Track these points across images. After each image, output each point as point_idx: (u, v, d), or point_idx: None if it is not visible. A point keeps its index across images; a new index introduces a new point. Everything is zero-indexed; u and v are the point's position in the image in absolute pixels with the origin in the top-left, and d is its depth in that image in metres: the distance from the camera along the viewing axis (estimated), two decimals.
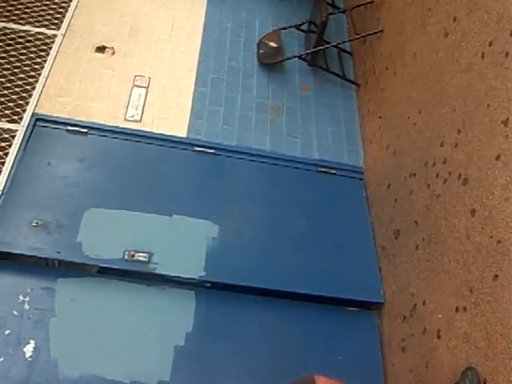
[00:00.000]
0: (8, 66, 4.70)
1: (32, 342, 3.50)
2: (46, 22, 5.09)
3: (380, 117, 4.60)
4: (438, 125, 3.57)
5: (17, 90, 4.57)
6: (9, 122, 4.36)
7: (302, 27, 5.40)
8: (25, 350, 3.46)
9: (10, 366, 3.39)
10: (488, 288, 2.79)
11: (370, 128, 4.81)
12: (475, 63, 3.22)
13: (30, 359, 3.43)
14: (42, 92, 4.58)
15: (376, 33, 4.92)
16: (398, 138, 4.17)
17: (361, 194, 4.58)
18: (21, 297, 3.62)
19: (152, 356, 3.59)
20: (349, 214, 4.42)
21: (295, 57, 5.20)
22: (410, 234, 3.74)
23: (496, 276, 2.75)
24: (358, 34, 5.19)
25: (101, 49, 5.00)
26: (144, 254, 3.83)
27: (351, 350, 3.82)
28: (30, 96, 4.53)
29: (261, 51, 5.24)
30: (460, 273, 3.05)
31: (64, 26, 5.09)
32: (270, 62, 5.21)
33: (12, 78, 4.63)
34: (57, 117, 4.46)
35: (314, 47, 5.05)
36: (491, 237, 2.82)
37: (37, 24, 5.06)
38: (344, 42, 5.41)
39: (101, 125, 4.49)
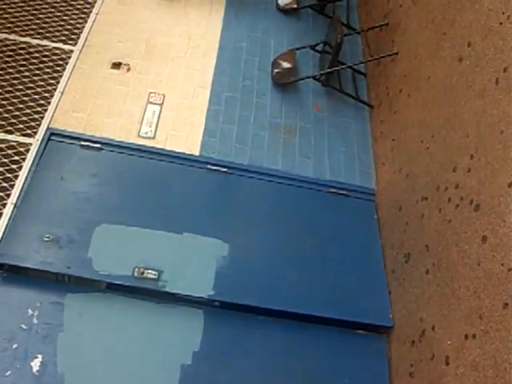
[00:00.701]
0: (25, 80, 4.74)
1: (39, 356, 3.50)
2: (64, 38, 5.14)
3: (393, 139, 4.60)
4: (450, 149, 3.57)
5: (32, 104, 4.61)
6: (23, 135, 4.39)
7: (317, 48, 5.42)
8: (32, 364, 3.46)
9: (17, 380, 3.39)
10: (498, 316, 2.77)
11: (382, 150, 4.80)
12: (489, 89, 3.22)
13: (36, 374, 3.43)
14: (57, 107, 4.62)
15: (390, 55, 4.93)
16: (411, 161, 4.17)
17: (372, 216, 4.56)
18: (30, 311, 3.63)
19: (159, 374, 3.58)
20: (360, 236, 4.40)
21: (309, 77, 5.21)
22: (420, 258, 3.72)
23: (506, 304, 2.73)
24: (372, 56, 5.21)
25: (117, 65, 5.04)
26: (154, 272, 3.83)
27: (359, 374, 3.80)
28: (45, 110, 4.57)
29: (275, 71, 5.26)
30: (470, 299, 3.03)
31: (81, 41, 5.13)
32: (284, 81, 5.23)
33: (28, 91, 4.67)
34: (71, 132, 4.49)
35: (329, 68, 5.06)
36: (502, 264, 2.80)
37: (54, 39, 5.11)
38: (358, 64, 5.43)
39: (114, 141, 4.51)
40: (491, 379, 2.73)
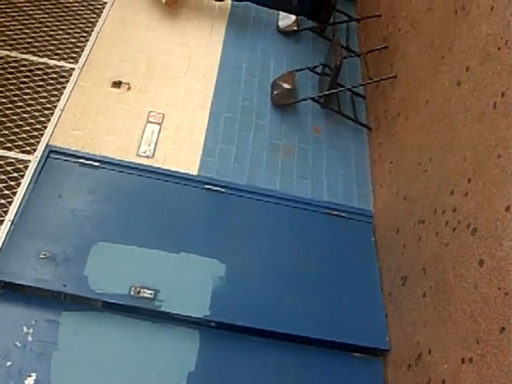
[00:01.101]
0: (25, 97, 4.76)
1: (33, 374, 3.47)
2: (65, 56, 5.17)
3: (391, 162, 4.61)
4: (448, 173, 3.58)
5: (32, 121, 4.62)
6: (22, 152, 4.39)
7: (316, 69, 5.45)
8: (26, 382, 3.44)
9: None
10: (494, 340, 2.76)
11: (380, 172, 4.82)
12: (487, 113, 3.23)
13: None
14: (56, 124, 4.63)
15: (389, 78, 4.96)
16: (408, 183, 4.18)
17: (369, 239, 4.56)
18: (25, 328, 3.61)
19: None
20: (357, 258, 4.40)
21: (308, 99, 5.25)
22: (417, 281, 3.71)
23: (503, 328, 2.72)
24: (371, 79, 5.25)
25: (117, 84, 5.06)
26: (150, 291, 3.82)
27: None
28: (45, 128, 4.58)
29: (275, 92, 5.29)
30: (467, 323, 3.03)
31: (82, 59, 5.16)
32: (284, 103, 5.26)
33: (28, 109, 4.69)
34: (70, 149, 4.50)
35: (328, 90, 5.09)
36: (499, 288, 2.80)
37: (55, 57, 5.14)
38: (357, 86, 5.47)
39: (113, 159, 4.52)
40: None
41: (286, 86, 5.27)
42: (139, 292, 3.80)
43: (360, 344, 3.97)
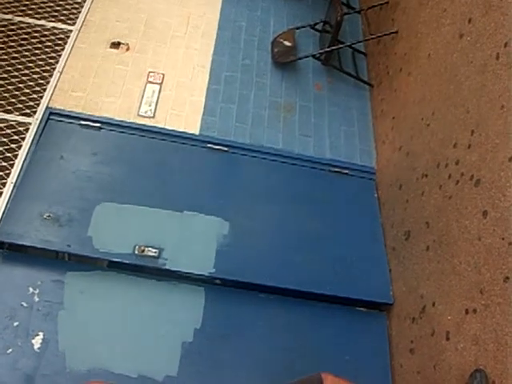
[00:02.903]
0: (23, 60, 4.73)
1: (41, 334, 3.51)
2: (62, 17, 5.12)
3: (393, 117, 4.58)
4: (451, 126, 3.55)
5: (31, 83, 4.59)
6: (23, 115, 4.38)
7: (317, 27, 5.39)
8: (33, 341, 3.47)
9: (19, 358, 3.41)
10: (498, 290, 2.77)
11: (382, 128, 4.79)
12: (490, 64, 3.20)
13: (38, 351, 3.44)
14: (56, 86, 4.61)
15: (391, 33, 4.90)
16: (411, 138, 4.16)
17: (372, 195, 4.56)
18: (30, 289, 3.64)
19: (160, 351, 3.59)
20: (360, 215, 4.41)
21: (309, 56, 5.19)
22: (420, 235, 3.72)
23: (507, 278, 2.73)
24: (372, 35, 5.18)
25: (115, 45, 5.02)
26: (154, 250, 3.84)
27: (359, 350, 3.81)
28: (44, 90, 4.56)
29: (275, 50, 5.23)
30: (470, 274, 3.04)
31: (79, 21, 5.11)
32: (284, 60, 5.21)
33: (27, 71, 4.66)
34: (70, 111, 4.48)
35: (329, 47, 5.04)
36: (503, 238, 2.80)
37: (52, 19, 5.09)
38: (358, 42, 5.41)
39: (114, 120, 4.50)
40: (492, 353, 2.73)
41: (287, 43, 5.22)
42: (143, 251, 3.82)
43: (364, 299, 3.99)
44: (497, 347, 2.70)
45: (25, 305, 3.58)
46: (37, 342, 3.48)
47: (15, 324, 3.51)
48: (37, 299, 3.61)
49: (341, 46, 5.15)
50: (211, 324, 3.72)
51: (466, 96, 3.42)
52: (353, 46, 5.34)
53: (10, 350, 3.42)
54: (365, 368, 3.71)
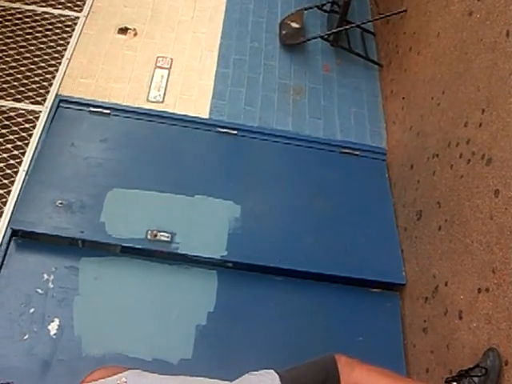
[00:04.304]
0: (31, 48, 4.73)
1: (56, 320, 3.54)
2: (69, 4, 5.11)
3: (403, 97, 4.56)
4: (461, 105, 3.53)
5: (40, 71, 4.60)
6: (32, 103, 4.39)
7: (325, 7, 5.34)
8: (49, 327, 3.51)
9: (35, 344, 3.44)
10: (511, 269, 2.76)
11: (392, 109, 4.77)
12: (500, 42, 3.17)
13: (54, 337, 3.48)
14: (64, 74, 4.61)
15: (399, 12, 4.85)
16: (422, 118, 4.14)
17: (383, 175, 4.55)
18: (45, 275, 3.67)
19: (174, 335, 3.63)
20: (371, 195, 4.40)
21: (317, 37, 5.16)
22: (432, 215, 3.71)
23: None
24: (381, 14, 5.14)
25: (123, 30, 5.01)
26: (166, 234, 3.85)
27: (372, 331, 3.82)
28: (53, 78, 4.56)
29: (283, 32, 5.20)
30: (483, 254, 3.03)
31: (86, 7, 5.10)
32: (292, 42, 5.18)
33: (35, 59, 4.67)
34: (80, 98, 4.49)
35: (337, 27, 5.01)
36: None
37: (60, 6, 5.08)
38: (367, 22, 5.35)
39: (123, 106, 4.51)
40: (504, 331, 2.73)
41: (295, 25, 5.18)
42: (156, 235, 3.84)
43: (377, 279, 3.99)
44: (509, 326, 2.70)
45: (40, 291, 3.61)
46: (53, 327, 3.51)
47: (31, 310, 3.54)
48: (51, 286, 3.64)
49: (349, 26, 5.11)
50: (224, 307, 3.75)
51: (476, 74, 3.40)
52: (361, 26, 5.29)
53: (27, 336, 3.45)
54: (378, 348, 3.71)
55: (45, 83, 4.52)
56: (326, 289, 3.94)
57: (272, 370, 2.62)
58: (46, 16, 4.99)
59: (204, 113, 4.60)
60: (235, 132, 4.53)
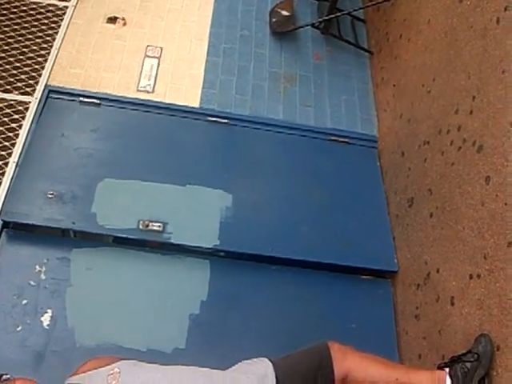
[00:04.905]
0: (20, 39, 4.69)
1: (49, 311, 3.54)
2: None
3: (394, 85, 4.56)
4: (452, 92, 3.53)
5: (29, 62, 4.57)
6: (22, 94, 4.36)
7: None
8: (42, 319, 3.50)
9: (28, 335, 3.44)
10: (502, 255, 2.78)
11: (383, 96, 4.77)
12: (490, 28, 3.17)
13: (47, 328, 3.48)
14: (54, 64, 4.57)
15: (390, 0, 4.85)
16: (412, 105, 4.14)
17: (374, 163, 4.55)
18: (37, 267, 3.66)
19: (168, 324, 3.63)
20: (362, 183, 4.40)
21: (308, 25, 5.14)
22: (423, 202, 3.72)
23: (510, 243, 2.73)
24: (371, 1, 5.12)
25: (112, 19, 4.97)
26: (158, 224, 3.84)
27: (365, 318, 3.83)
28: (43, 68, 4.53)
29: (273, 20, 5.18)
30: (474, 240, 3.04)
31: None
32: (283, 30, 5.16)
33: (24, 50, 4.63)
34: (69, 88, 4.45)
35: (327, 15, 4.98)
36: (506, 204, 2.80)
37: None
38: (358, 10, 5.33)
39: (113, 96, 4.47)
40: (496, 317, 2.75)
41: (285, 12, 5.16)
42: (148, 225, 3.83)
43: (369, 267, 4.01)
44: (501, 311, 2.72)
45: (32, 283, 3.60)
46: (45, 319, 3.51)
47: (23, 302, 3.54)
48: (44, 277, 3.63)
49: (339, 13, 5.09)
50: (217, 296, 3.75)
51: (466, 61, 3.39)
52: (352, 13, 5.27)
53: (20, 328, 3.45)
54: (371, 335, 3.73)
55: (34, 74, 4.49)
56: (318, 277, 3.95)
57: (265, 358, 2.64)
58: (34, 6, 4.94)
59: (194, 102, 4.58)
60: (226, 121, 4.52)
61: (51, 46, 4.68)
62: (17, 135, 4.12)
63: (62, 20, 4.87)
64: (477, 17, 3.34)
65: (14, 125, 4.18)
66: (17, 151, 4.04)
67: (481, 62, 3.22)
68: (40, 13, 4.92)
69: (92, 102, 4.40)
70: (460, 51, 3.49)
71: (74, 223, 3.79)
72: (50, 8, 4.96)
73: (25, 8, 4.91)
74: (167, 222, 3.88)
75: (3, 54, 4.56)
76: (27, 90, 4.39)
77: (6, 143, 4.08)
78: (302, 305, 3.80)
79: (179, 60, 4.82)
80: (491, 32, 3.15)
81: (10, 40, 4.67)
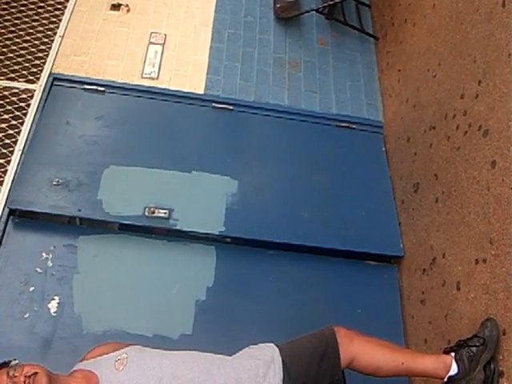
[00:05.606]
0: (23, 26, 4.69)
1: (56, 298, 3.55)
2: None
3: (399, 70, 4.54)
4: (458, 76, 3.52)
5: (33, 50, 4.56)
6: (26, 82, 4.36)
7: None
8: (49, 306, 3.52)
9: (36, 322, 3.46)
10: (508, 239, 2.78)
11: (389, 81, 4.75)
12: (496, 12, 3.15)
13: (54, 315, 3.49)
14: (58, 51, 4.56)
15: None
16: (418, 90, 4.12)
17: (380, 148, 4.55)
18: (44, 254, 3.67)
19: (174, 310, 3.64)
20: (368, 169, 4.40)
21: (312, 10, 5.11)
22: (429, 187, 3.72)
23: None
24: None
25: (116, 6, 4.95)
26: (164, 211, 3.85)
27: (371, 303, 3.84)
28: (47, 56, 4.52)
29: (277, 5, 5.14)
30: (480, 225, 3.04)
31: None
32: (287, 15, 5.13)
33: (28, 38, 4.62)
34: (74, 76, 4.44)
35: (332, 0, 4.96)
36: (511, 188, 2.80)
37: None
38: None
39: (118, 83, 4.47)
40: (502, 301, 2.75)
41: None
42: (154, 212, 3.84)
43: (375, 252, 4.01)
44: (507, 296, 2.72)
45: (39, 270, 3.62)
46: (53, 306, 3.53)
47: (31, 289, 3.55)
48: (50, 264, 3.65)
49: None
50: (223, 282, 3.76)
51: (472, 45, 3.38)
52: None
53: (27, 315, 3.47)
54: (377, 320, 3.74)
55: (38, 61, 4.49)
56: (325, 262, 3.96)
57: (272, 343, 2.65)
58: None
59: (199, 88, 4.57)
60: (231, 107, 4.50)
61: (55, 34, 4.66)
62: (22, 123, 4.12)
63: (65, 8, 4.85)
64: (482, 0, 3.31)
65: (18, 113, 4.18)
66: (22, 139, 4.04)
67: (487, 45, 3.21)
68: (43, 0, 4.90)
69: (96, 90, 4.40)
70: (466, 35, 3.47)
71: (79, 210, 3.80)
72: None
73: None
74: (173, 208, 3.88)
75: (7, 42, 4.56)
76: (32, 77, 4.39)
77: (12, 131, 4.09)
78: (308, 290, 3.81)
79: (183, 46, 4.81)
80: (497, 15, 3.13)
81: (13, 28, 4.66)
